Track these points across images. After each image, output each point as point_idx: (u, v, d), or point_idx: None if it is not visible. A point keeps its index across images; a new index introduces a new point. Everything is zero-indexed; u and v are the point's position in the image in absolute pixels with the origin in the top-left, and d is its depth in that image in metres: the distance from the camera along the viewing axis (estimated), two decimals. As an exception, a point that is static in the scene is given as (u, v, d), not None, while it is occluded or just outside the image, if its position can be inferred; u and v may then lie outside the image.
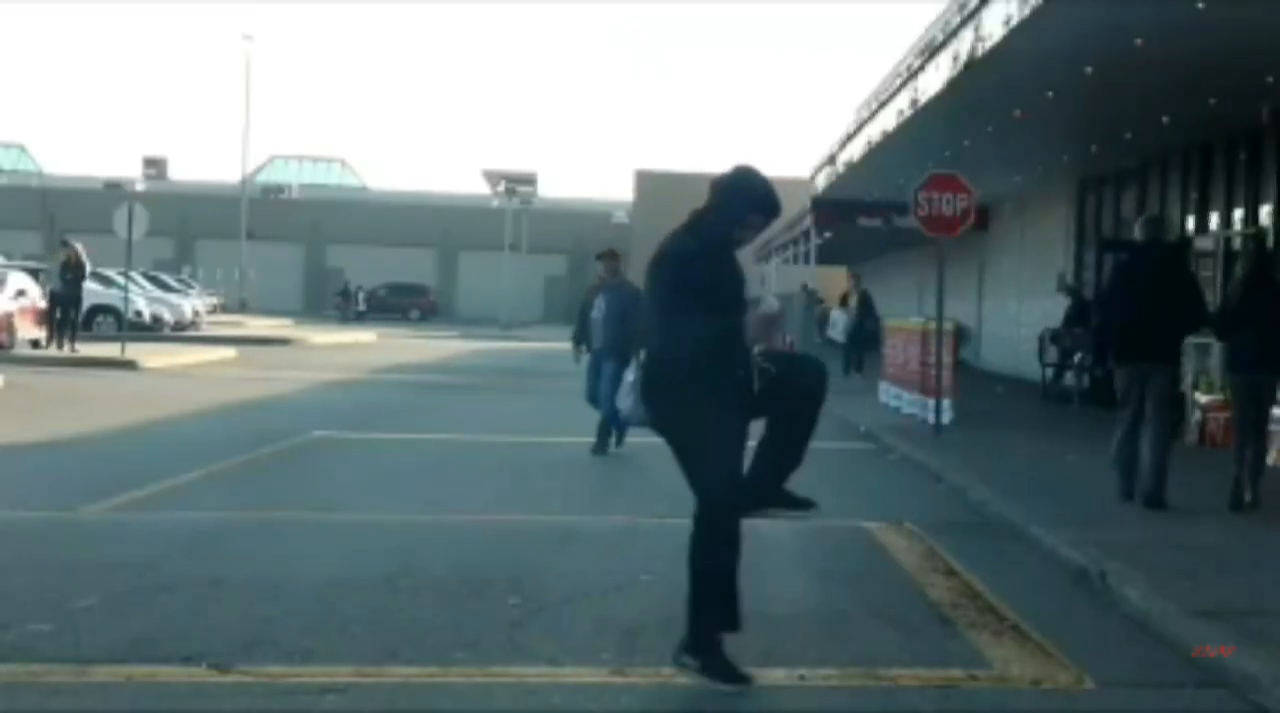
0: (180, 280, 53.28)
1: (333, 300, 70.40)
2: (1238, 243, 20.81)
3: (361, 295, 69.72)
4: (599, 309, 14.98)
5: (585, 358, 15.42)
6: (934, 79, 20.00)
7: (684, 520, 10.64)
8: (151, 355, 27.80)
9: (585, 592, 7.81)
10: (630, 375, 13.46)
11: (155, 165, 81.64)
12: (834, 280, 65.86)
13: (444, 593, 7.69)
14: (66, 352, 27.95)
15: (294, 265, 78.91)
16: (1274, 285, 11.79)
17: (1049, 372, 23.75)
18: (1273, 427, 14.31)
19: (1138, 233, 12.22)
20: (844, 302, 31.27)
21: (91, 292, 31.77)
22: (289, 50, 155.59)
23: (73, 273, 28.65)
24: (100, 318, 32.81)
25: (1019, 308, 31.58)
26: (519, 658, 6.40)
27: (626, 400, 13.91)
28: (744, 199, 6.36)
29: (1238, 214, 20.72)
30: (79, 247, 29.22)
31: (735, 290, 6.30)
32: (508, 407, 21.62)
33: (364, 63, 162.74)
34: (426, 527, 10.08)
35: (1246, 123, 19.05)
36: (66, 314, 28.91)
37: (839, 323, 30.15)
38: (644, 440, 16.86)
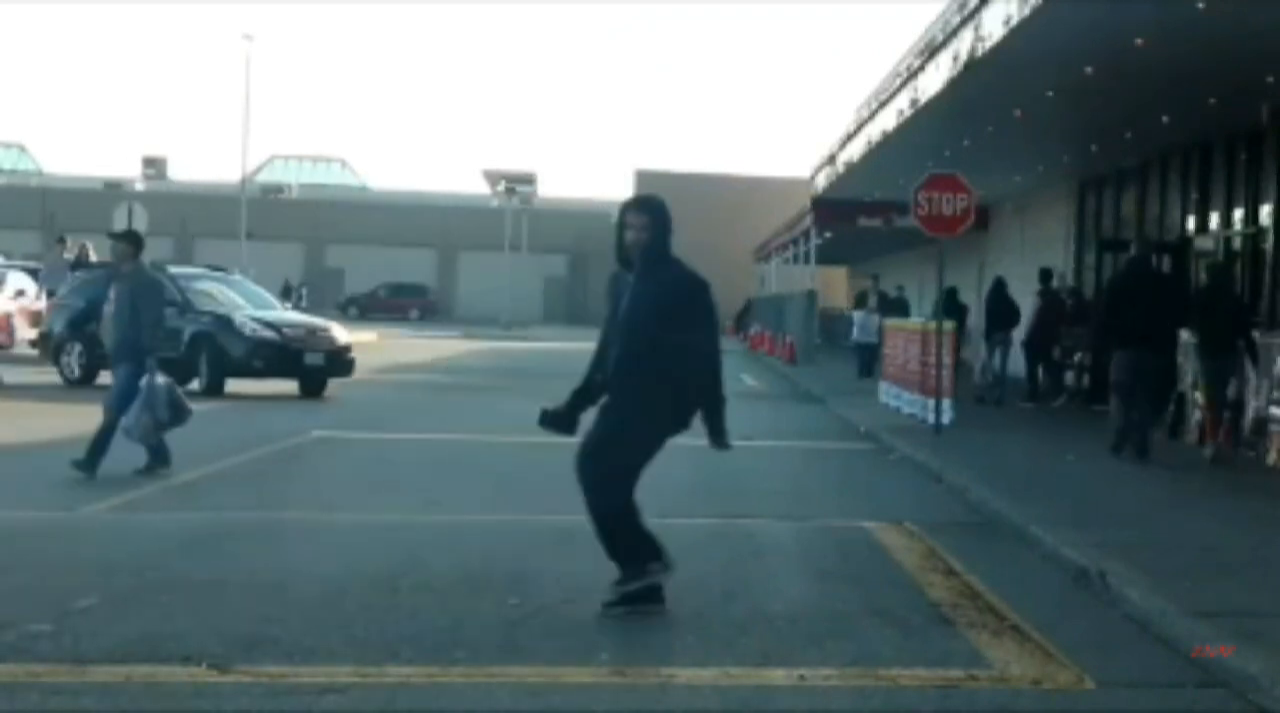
0: (180, 280, 53.17)
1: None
2: (1238, 243, 20.82)
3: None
4: (110, 302, 12.56)
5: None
6: (934, 79, 20.01)
7: (685, 521, 10.68)
8: (151, 355, 27.75)
9: (585, 592, 7.80)
10: (144, 386, 12.20)
11: (155, 165, 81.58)
12: (835, 280, 66.08)
13: (444, 593, 7.69)
14: None
15: (294, 265, 78.86)
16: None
17: (1041, 370, 23.78)
18: (1273, 427, 14.35)
19: (1133, 250, 16.54)
20: (860, 303, 31.11)
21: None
22: (289, 50, 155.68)
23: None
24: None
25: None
26: (519, 658, 6.40)
27: (134, 415, 12.31)
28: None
29: (1238, 214, 20.72)
30: (89, 245, 29.17)
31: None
32: (508, 407, 21.58)
33: (364, 63, 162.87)
34: (426, 527, 10.08)
35: (1246, 123, 19.05)
36: None
37: (868, 325, 29.97)
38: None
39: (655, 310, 7.07)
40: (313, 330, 22.16)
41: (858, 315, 30.67)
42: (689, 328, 7.12)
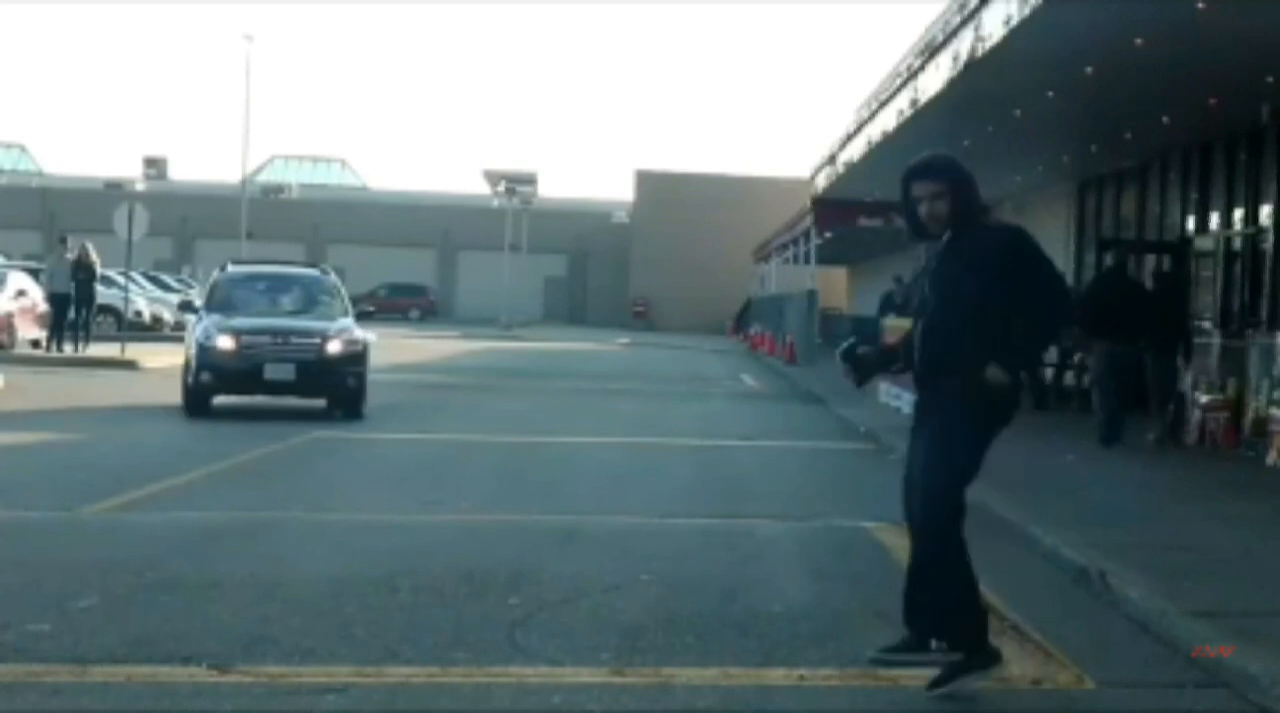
0: (180, 280, 53.10)
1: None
2: (1238, 243, 20.82)
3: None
4: None
5: None
6: (934, 79, 20.01)
7: (684, 521, 10.68)
8: (152, 356, 27.76)
9: (585, 592, 7.81)
10: None
11: (155, 165, 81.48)
12: (835, 280, 66.02)
13: (444, 593, 7.68)
14: (79, 352, 27.91)
15: (294, 265, 78.73)
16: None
17: (1048, 372, 23.70)
18: (1273, 427, 14.35)
19: (1109, 260, 18.48)
20: (887, 305, 30.80)
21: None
22: (289, 50, 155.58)
23: (85, 272, 28.60)
24: (100, 318, 32.76)
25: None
26: (519, 658, 6.40)
27: None
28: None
29: (1238, 214, 20.72)
30: (89, 246, 29.16)
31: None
32: (508, 407, 21.62)
33: (364, 63, 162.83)
34: (426, 527, 10.08)
35: (1246, 123, 19.06)
36: (80, 314, 28.81)
37: None
38: (639, 441, 16.91)
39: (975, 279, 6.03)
40: (285, 336, 17.81)
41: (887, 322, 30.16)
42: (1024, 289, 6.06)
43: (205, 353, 17.48)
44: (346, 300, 19.81)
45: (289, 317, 18.72)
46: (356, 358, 18.09)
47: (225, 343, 17.47)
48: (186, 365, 17.95)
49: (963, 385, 5.96)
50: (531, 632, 6.86)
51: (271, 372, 17.47)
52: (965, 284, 6.00)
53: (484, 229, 73.09)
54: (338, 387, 17.92)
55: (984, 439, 6.10)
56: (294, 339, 17.84)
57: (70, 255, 28.91)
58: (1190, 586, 7.92)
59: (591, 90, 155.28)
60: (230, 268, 20.23)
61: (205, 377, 17.47)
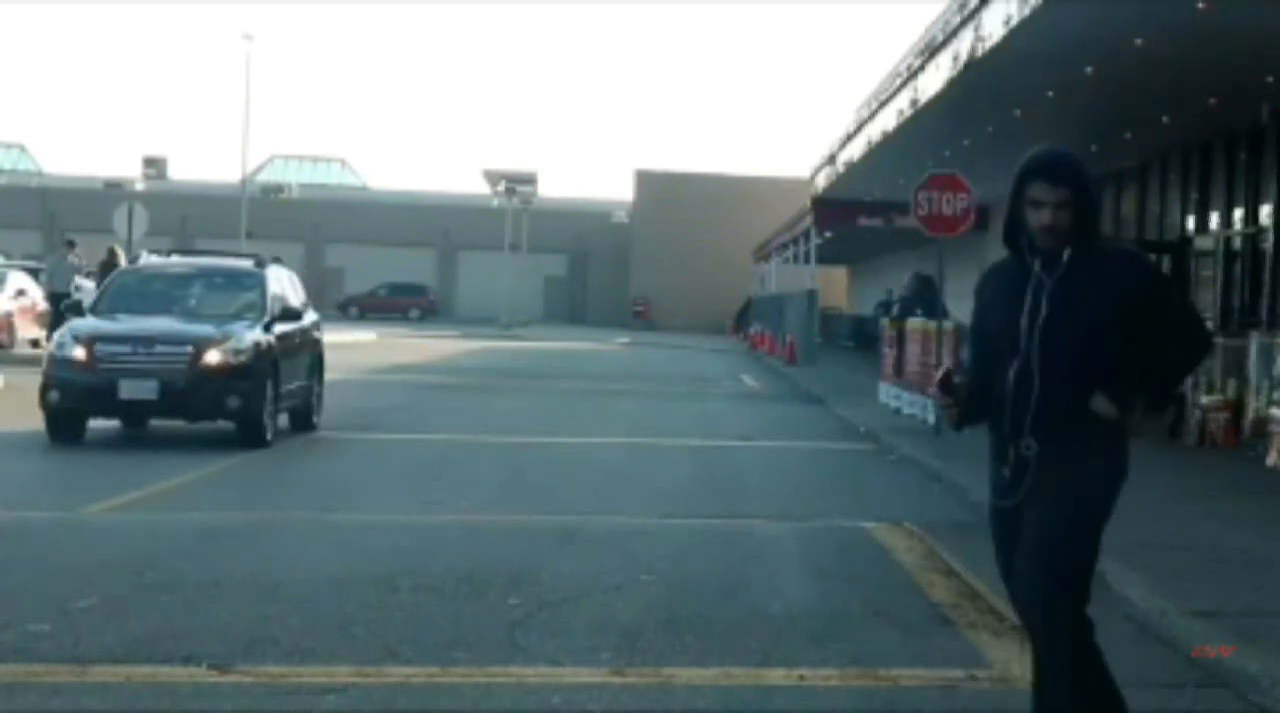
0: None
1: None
2: (1238, 243, 20.84)
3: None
4: None
5: None
6: (934, 79, 20.02)
7: (684, 521, 10.69)
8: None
9: (585, 592, 7.81)
10: None
11: (155, 165, 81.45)
12: (835, 280, 66.03)
13: (444, 593, 7.69)
14: None
15: (293, 265, 78.34)
16: None
17: None
18: (1273, 427, 14.36)
19: None
20: (906, 310, 30.67)
21: (91, 291, 31.52)
22: (289, 50, 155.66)
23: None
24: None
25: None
26: (519, 658, 6.40)
27: None
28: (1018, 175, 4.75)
29: (1238, 214, 20.73)
30: (118, 249, 29.18)
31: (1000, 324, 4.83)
32: (508, 407, 21.62)
33: (364, 63, 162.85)
34: (426, 527, 10.08)
35: (1246, 123, 19.07)
36: None
37: None
38: (639, 441, 16.91)
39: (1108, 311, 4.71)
40: (150, 344, 14.35)
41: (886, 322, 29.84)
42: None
43: (55, 366, 14.38)
44: (270, 301, 15.65)
45: (176, 321, 15.11)
46: (242, 372, 14.45)
47: (76, 353, 14.29)
48: None
49: (1102, 437, 4.80)
50: (531, 632, 6.86)
51: (128, 389, 14.14)
52: (1099, 317, 4.69)
53: (484, 229, 73.08)
54: (215, 408, 14.56)
55: (1114, 503, 4.95)
56: (159, 348, 14.36)
57: (74, 257, 28.94)
58: (1190, 586, 7.93)
59: (591, 90, 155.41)
60: (141, 261, 17.11)
61: (54, 396, 14.29)
